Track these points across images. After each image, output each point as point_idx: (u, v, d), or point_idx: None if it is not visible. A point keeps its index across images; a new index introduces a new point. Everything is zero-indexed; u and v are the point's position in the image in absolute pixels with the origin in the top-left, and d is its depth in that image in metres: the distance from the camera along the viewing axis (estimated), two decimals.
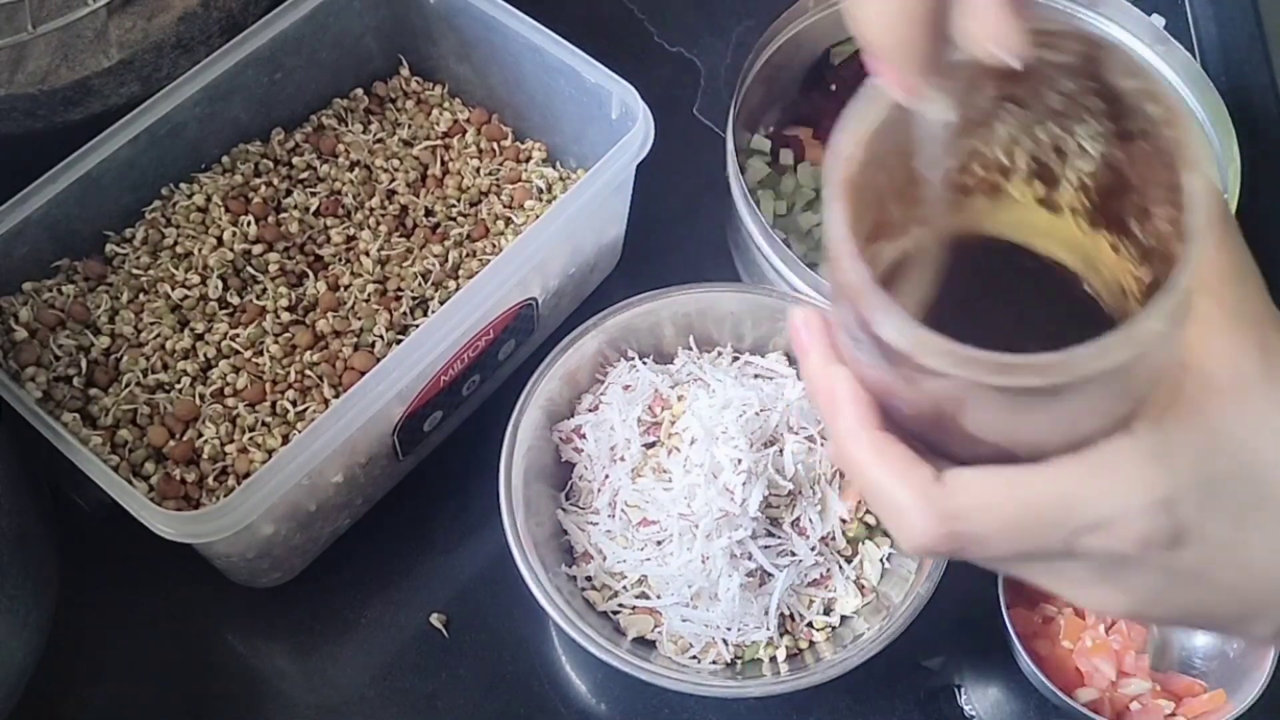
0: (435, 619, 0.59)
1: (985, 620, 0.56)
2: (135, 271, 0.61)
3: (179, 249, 0.61)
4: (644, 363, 0.60)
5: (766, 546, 0.54)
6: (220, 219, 0.62)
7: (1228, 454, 0.31)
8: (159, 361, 0.58)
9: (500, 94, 0.68)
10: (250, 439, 0.56)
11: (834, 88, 0.69)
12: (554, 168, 0.67)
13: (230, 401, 0.57)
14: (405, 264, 0.62)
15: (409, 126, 0.68)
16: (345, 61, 0.68)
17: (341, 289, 0.61)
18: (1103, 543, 0.31)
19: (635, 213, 0.66)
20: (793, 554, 0.54)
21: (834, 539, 0.55)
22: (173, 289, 0.60)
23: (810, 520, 0.55)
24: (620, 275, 0.69)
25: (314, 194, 0.64)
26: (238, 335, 0.59)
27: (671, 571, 0.53)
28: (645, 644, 0.55)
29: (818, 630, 0.55)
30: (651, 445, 0.57)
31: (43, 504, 0.56)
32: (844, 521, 0.56)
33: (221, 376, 0.58)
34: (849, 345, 0.33)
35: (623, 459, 0.56)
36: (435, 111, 0.69)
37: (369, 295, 0.61)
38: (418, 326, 0.55)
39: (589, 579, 0.56)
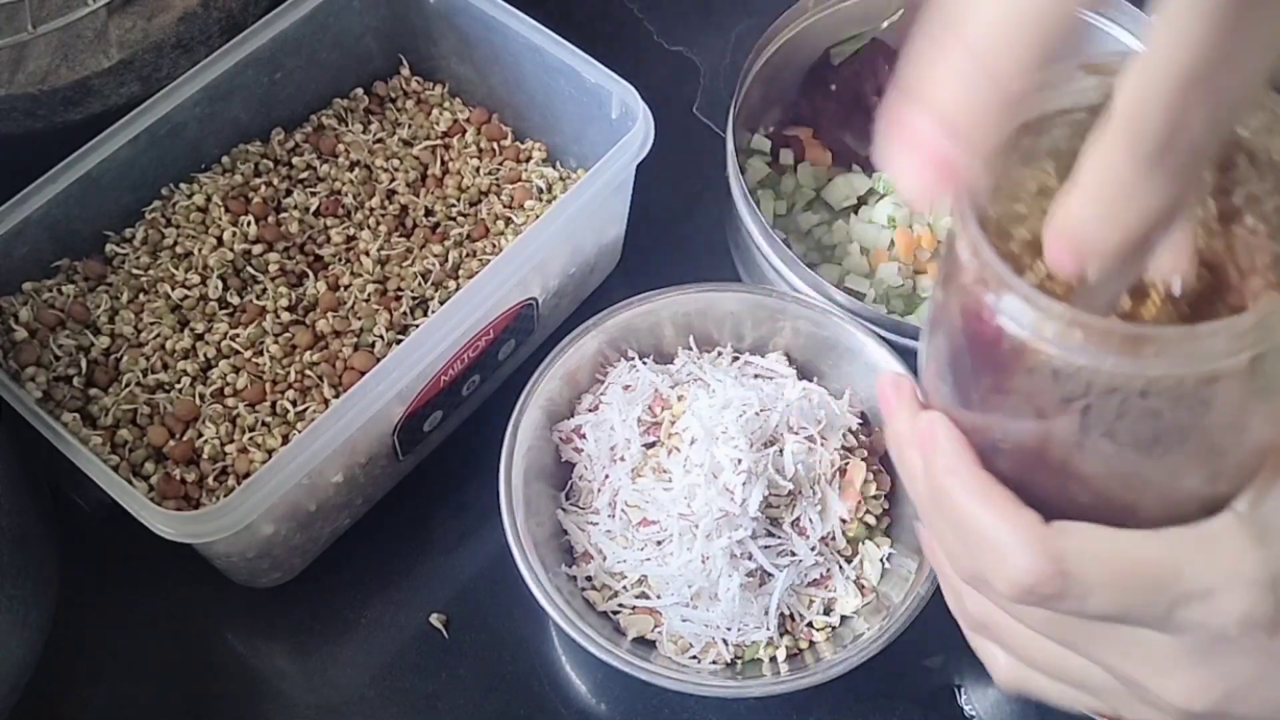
0: (435, 619, 0.59)
1: None
2: (135, 271, 0.61)
3: (179, 249, 0.61)
4: (644, 363, 0.60)
5: (766, 546, 0.54)
6: (220, 219, 0.62)
7: None
8: (159, 361, 0.58)
9: (500, 94, 0.68)
10: (250, 439, 0.56)
11: (834, 88, 0.69)
12: (554, 168, 0.67)
13: (230, 401, 0.57)
14: (405, 264, 0.62)
15: (409, 126, 0.68)
16: (345, 61, 0.68)
17: (341, 289, 0.61)
18: (1204, 616, 0.30)
19: (635, 213, 0.66)
20: (793, 554, 0.54)
21: (834, 539, 0.55)
22: (173, 289, 0.60)
23: (810, 520, 0.55)
24: (620, 275, 0.69)
25: (314, 194, 0.64)
26: (238, 335, 0.59)
27: (671, 571, 0.53)
28: (645, 644, 0.55)
29: (818, 630, 0.55)
30: (651, 445, 0.57)
31: (43, 504, 0.56)
32: (844, 521, 0.56)
33: (221, 376, 0.58)
34: (946, 391, 0.33)
35: (623, 459, 0.56)
36: (435, 111, 0.69)
37: (369, 295, 0.61)
38: (418, 326, 0.55)
39: (589, 579, 0.56)
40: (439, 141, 0.68)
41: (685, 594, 0.53)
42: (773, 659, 0.54)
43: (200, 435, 0.56)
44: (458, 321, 0.54)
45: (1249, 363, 0.28)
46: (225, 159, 0.65)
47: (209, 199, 0.63)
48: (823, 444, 0.56)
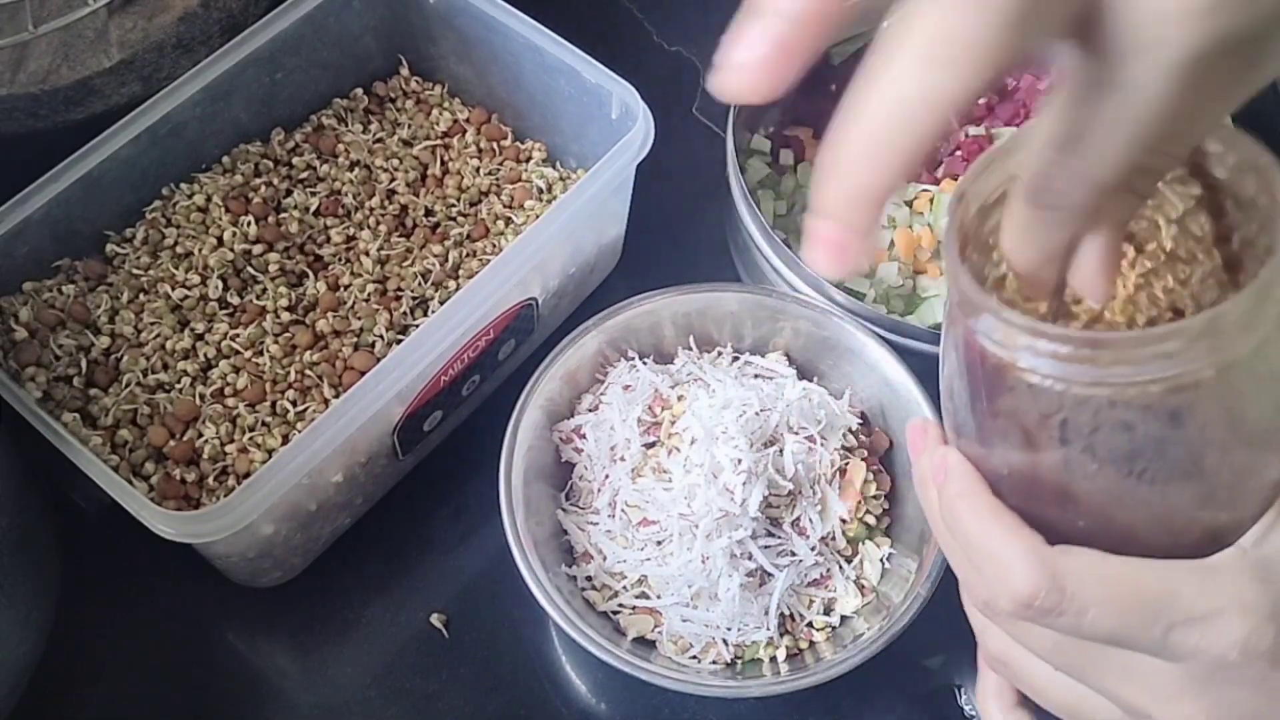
0: (435, 619, 0.59)
1: None
2: (135, 271, 0.61)
3: (179, 249, 0.61)
4: (644, 363, 0.60)
5: (766, 546, 0.54)
6: (220, 219, 0.62)
7: None
8: (159, 361, 0.58)
9: (500, 94, 0.68)
10: (250, 439, 0.56)
11: (834, 88, 0.69)
12: (554, 168, 0.67)
13: (230, 401, 0.57)
14: (405, 264, 0.62)
15: (409, 126, 0.68)
16: (345, 61, 0.68)
17: (341, 289, 0.61)
18: (1201, 641, 0.30)
19: (635, 213, 0.66)
20: (793, 554, 0.54)
21: (834, 539, 0.55)
22: (173, 289, 0.60)
23: (810, 520, 0.55)
24: (620, 275, 0.69)
25: (314, 194, 0.64)
26: (238, 335, 0.59)
27: (671, 571, 0.53)
28: (645, 644, 0.55)
29: (818, 630, 0.55)
30: (651, 445, 0.57)
31: (43, 504, 0.56)
32: (844, 521, 0.56)
33: (221, 376, 0.58)
34: (957, 426, 0.35)
35: (623, 459, 0.56)
36: (435, 111, 0.69)
37: (369, 295, 0.61)
38: (418, 326, 0.55)
39: (589, 579, 0.56)
40: (439, 141, 0.68)
41: (685, 594, 0.53)
42: (773, 659, 0.54)
43: (200, 435, 0.56)
44: (458, 321, 0.54)
45: (1216, 375, 0.29)
46: (225, 159, 0.65)
47: (209, 199, 0.63)
48: (823, 444, 0.56)
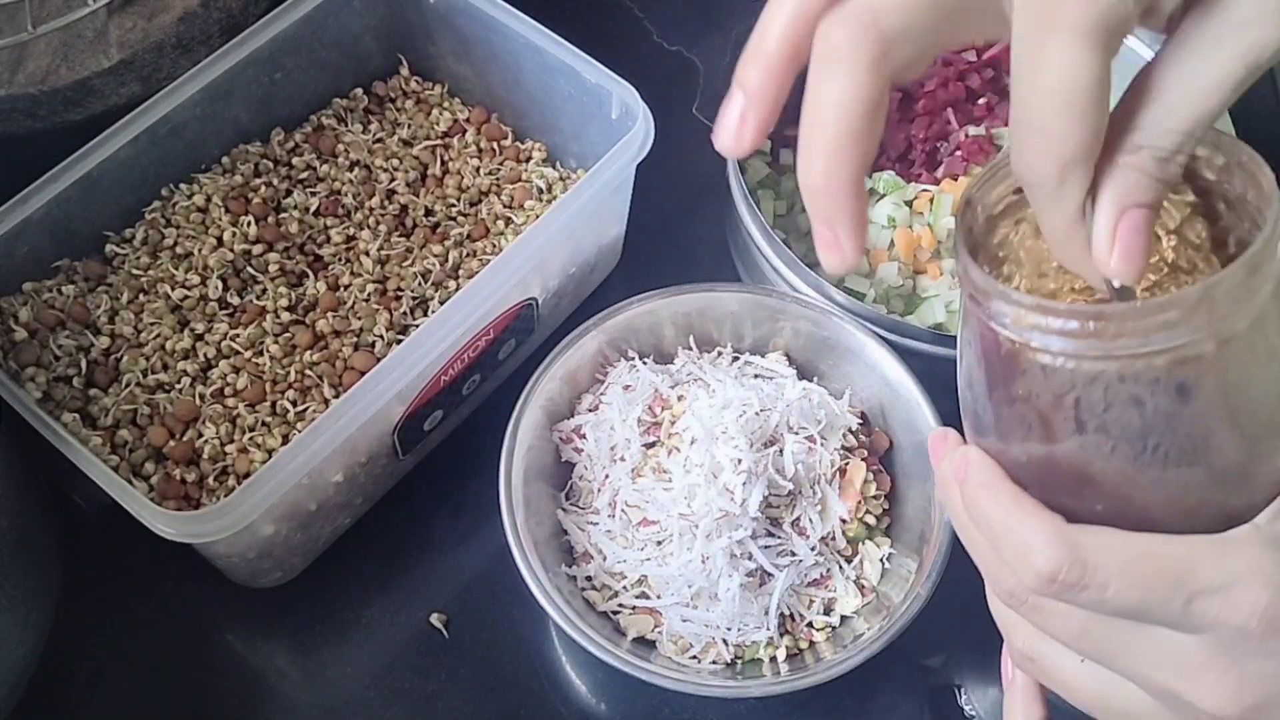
0: (435, 619, 0.59)
1: (985, 620, 0.55)
2: (135, 271, 0.61)
3: (179, 249, 0.61)
4: (644, 363, 0.60)
5: (766, 546, 0.54)
6: (220, 219, 0.62)
7: None
8: (159, 362, 0.58)
9: (500, 93, 0.68)
10: (250, 439, 0.56)
11: None
12: (554, 168, 0.67)
13: (230, 401, 0.57)
14: (405, 264, 0.62)
15: (409, 126, 0.68)
16: (345, 61, 0.68)
17: (341, 289, 0.61)
18: (1222, 611, 0.31)
19: (635, 213, 0.66)
20: (793, 554, 0.54)
21: (834, 539, 0.56)
22: (173, 289, 0.60)
23: (810, 520, 0.55)
24: (620, 275, 0.69)
25: (314, 194, 0.64)
26: (238, 335, 0.59)
27: (671, 571, 0.53)
28: (645, 644, 0.55)
29: (818, 630, 0.55)
30: (651, 445, 0.57)
31: (43, 504, 0.56)
32: (844, 521, 0.56)
33: (221, 376, 0.58)
34: (975, 423, 0.36)
35: (623, 459, 0.56)
36: (435, 111, 0.69)
37: (369, 295, 0.61)
38: (418, 326, 0.55)
39: (589, 579, 0.56)
40: (439, 141, 0.68)
41: (685, 594, 0.53)
42: (773, 659, 0.54)
43: (200, 435, 0.56)
44: (458, 321, 0.54)
45: (1217, 348, 0.30)
46: (225, 159, 0.65)
47: (209, 199, 0.63)
48: (823, 444, 0.56)
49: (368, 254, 0.62)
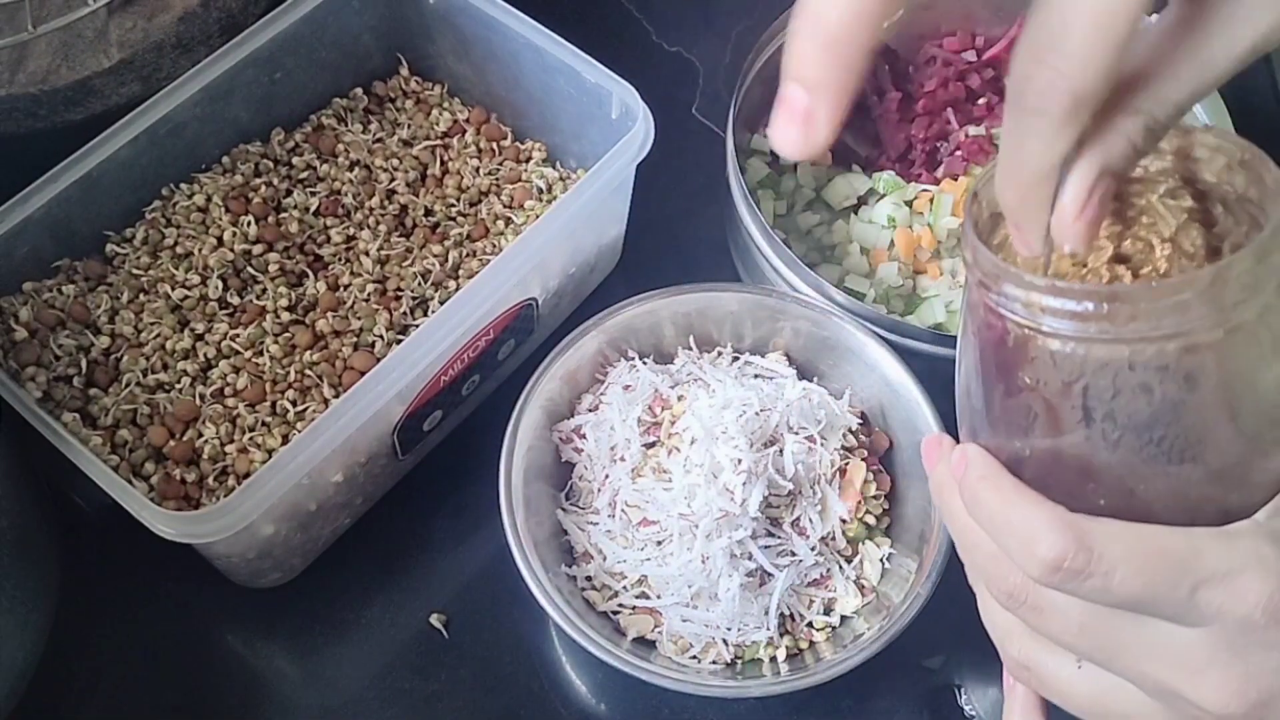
0: (435, 619, 0.59)
1: None
2: (135, 271, 0.61)
3: (179, 249, 0.61)
4: (644, 363, 0.60)
5: (766, 546, 0.54)
6: (220, 219, 0.62)
7: None
8: (159, 361, 0.58)
9: (499, 93, 0.68)
10: (250, 439, 0.56)
11: None
12: (554, 168, 0.67)
13: (230, 401, 0.57)
14: (405, 264, 0.62)
15: (408, 126, 0.68)
16: (344, 61, 0.68)
17: (341, 289, 0.61)
18: (1227, 600, 0.30)
19: (635, 213, 0.66)
20: (793, 554, 0.54)
21: (834, 539, 0.56)
22: (173, 289, 0.60)
23: (810, 520, 0.55)
24: (620, 275, 0.69)
25: (314, 194, 0.64)
26: (238, 335, 0.59)
27: (671, 571, 0.53)
28: (645, 644, 0.55)
29: (818, 630, 0.55)
30: (651, 445, 0.57)
31: (43, 504, 0.56)
32: (844, 521, 0.56)
33: (221, 376, 0.58)
34: (974, 421, 0.36)
35: (623, 459, 0.56)
36: (435, 111, 0.69)
37: (369, 295, 0.61)
38: (418, 326, 0.55)
39: (589, 579, 0.56)
40: (438, 141, 0.68)
41: (685, 594, 0.53)
42: (773, 659, 0.54)
43: (200, 435, 0.56)
44: (458, 321, 0.54)
45: (1225, 337, 0.30)
46: (225, 159, 0.65)
47: (209, 199, 0.63)
48: (823, 444, 0.56)
49: (368, 254, 0.62)
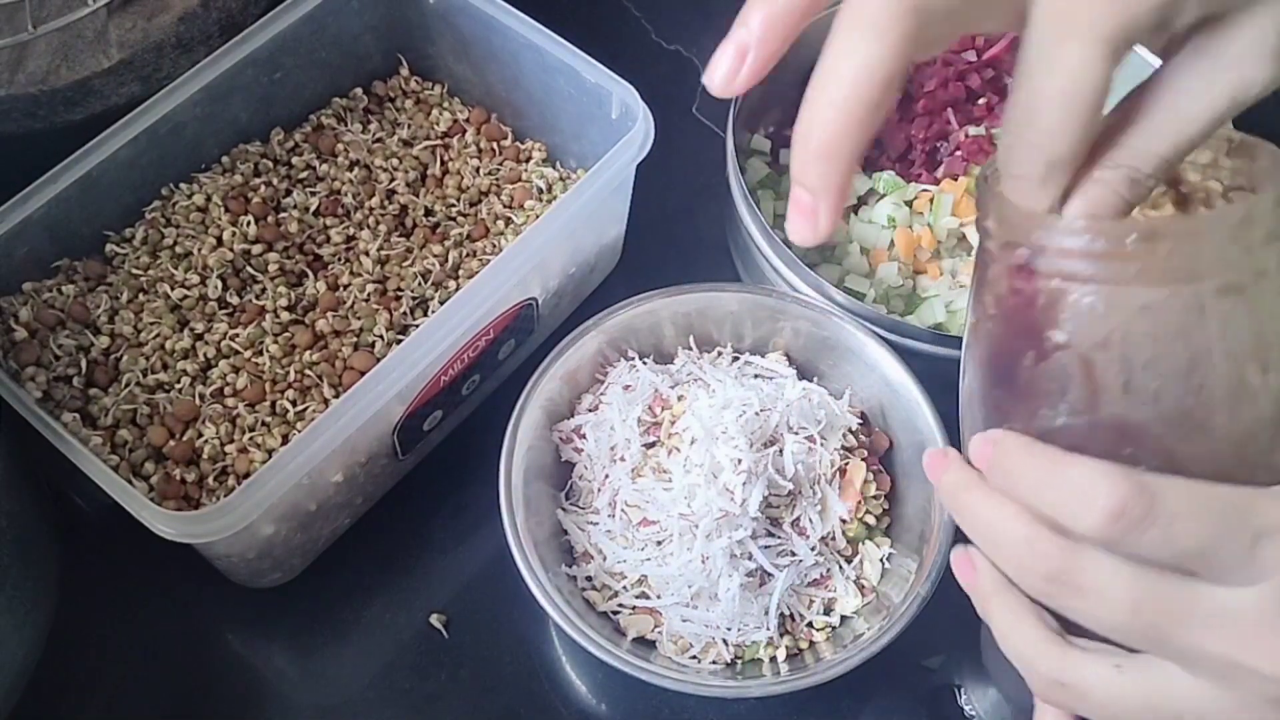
0: (435, 619, 0.59)
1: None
2: (135, 271, 0.61)
3: (179, 249, 0.61)
4: (644, 363, 0.60)
5: (766, 546, 0.54)
6: (220, 219, 0.62)
7: None
8: (159, 361, 0.58)
9: (499, 93, 0.68)
10: (250, 439, 0.56)
11: None
12: (554, 168, 0.67)
13: (230, 401, 0.57)
14: (405, 264, 0.62)
15: (408, 126, 0.68)
16: (344, 61, 0.68)
17: (341, 289, 0.61)
18: None
19: (635, 213, 0.66)
20: (793, 554, 0.54)
21: (834, 539, 0.56)
22: (173, 289, 0.60)
23: (810, 520, 0.55)
24: (620, 275, 0.69)
25: (314, 194, 0.64)
26: (237, 335, 0.59)
27: (671, 571, 0.53)
28: (645, 644, 0.55)
29: (818, 630, 0.55)
30: (651, 445, 0.57)
31: (43, 504, 0.56)
32: (844, 521, 0.56)
33: (221, 376, 0.58)
34: (995, 403, 0.35)
35: (623, 459, 0.56)
36: (435, 111, 0.69)
37: (369, 295, 0.61)
38: (418, 326, 0.55)
39: (589, 579, 0.56)
40: (439, 141, 0.68)
41: (685, 594, 0.53)
42: (773, 659, 0.54)
43: (200, 435, 0.56)
44: (458, 321, 0.54)
45: (1254, 281, 0.31)
46: (225, 159, 0.65)
47: (209, 199, 0.63)
48: (823, 444, 0.56)
49: (368, 254, 0.62)
